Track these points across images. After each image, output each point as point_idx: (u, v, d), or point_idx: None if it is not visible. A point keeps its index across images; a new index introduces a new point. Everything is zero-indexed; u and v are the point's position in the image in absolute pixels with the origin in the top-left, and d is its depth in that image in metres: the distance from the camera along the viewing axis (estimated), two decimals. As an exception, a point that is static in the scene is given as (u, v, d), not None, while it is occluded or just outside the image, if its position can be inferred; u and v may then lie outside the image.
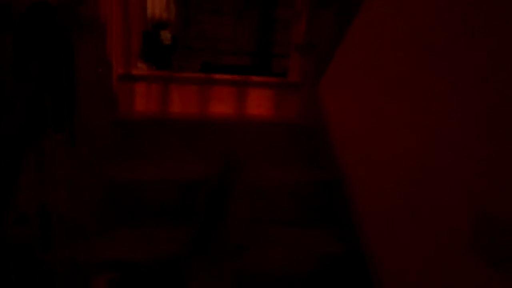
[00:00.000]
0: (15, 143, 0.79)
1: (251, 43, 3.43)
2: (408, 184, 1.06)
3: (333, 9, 1.58)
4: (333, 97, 1.63)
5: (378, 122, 1.23)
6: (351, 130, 1.44)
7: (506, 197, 0.74)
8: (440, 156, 0.93)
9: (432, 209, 0.96)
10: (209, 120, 1.78)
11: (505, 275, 0.74)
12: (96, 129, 1.38)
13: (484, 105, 0.79)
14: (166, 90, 2.03)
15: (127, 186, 1.42)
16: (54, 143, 0.99)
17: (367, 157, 1.31)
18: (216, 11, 3.34)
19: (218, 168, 1.37)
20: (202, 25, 3.34)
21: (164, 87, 2.03)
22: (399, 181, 1.11)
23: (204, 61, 3.38)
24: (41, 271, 0.92)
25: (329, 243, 1.40)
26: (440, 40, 0.94)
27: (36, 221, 0.88)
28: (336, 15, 1.53)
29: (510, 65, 0.73)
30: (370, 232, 1.28)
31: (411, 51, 1.06)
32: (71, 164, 1.16)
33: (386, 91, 1.19)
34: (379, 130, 1.23)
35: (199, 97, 2.07)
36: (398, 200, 1.11)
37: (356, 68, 1.40)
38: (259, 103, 2.12)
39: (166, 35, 3.59)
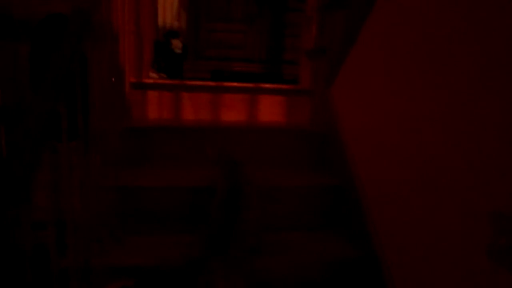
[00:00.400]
0: (31, 151, 0.81)
1: (262, 50, 3.44)
2: (424, 188, 1.04)
3: (344, 13, 1.57)
4: (345, 102, 1.62)
5: (392, 125, 1.22)
6: (364, 135, 1.43)
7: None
8: (458, 158, 0.91)
9: (450, 212, 0.94)
10: (220, 127, 1.79)
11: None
12: (109, 137, 1.40)
13: (503, 107, 0.78)
14: (178, 98, 2.06)
15: (138, 192, 1.44)
16: (69, 150, 1.01)
17: (381, 161, 1.29)
18: (227, 18, 3.36)
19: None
20: (213, 33, 3.37)
21: (176, 95, 2.05)
22: (414, 184, 1.09)
23: (214, 69, 3.41)
24: (57, 277, 0.93)
25: (343, 249, 1.39)
26: (454, 41, 0.93)
27: (52, 226, 0.90)
28: (348, 19, 1.52)
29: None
30: (384, 237, 1.26)
31: (425, 54, 1.05)
32: (85, 171, 1.18)
33: (400, 95, 1.17)
34: (393, 133, 1.21)
35: (211, 104, 2.09)
36: (414, 204, 1.09)
37: (369, 72, 1.39)
38: (270, 110, 2.13)
39: (177, 44, 3.65)
